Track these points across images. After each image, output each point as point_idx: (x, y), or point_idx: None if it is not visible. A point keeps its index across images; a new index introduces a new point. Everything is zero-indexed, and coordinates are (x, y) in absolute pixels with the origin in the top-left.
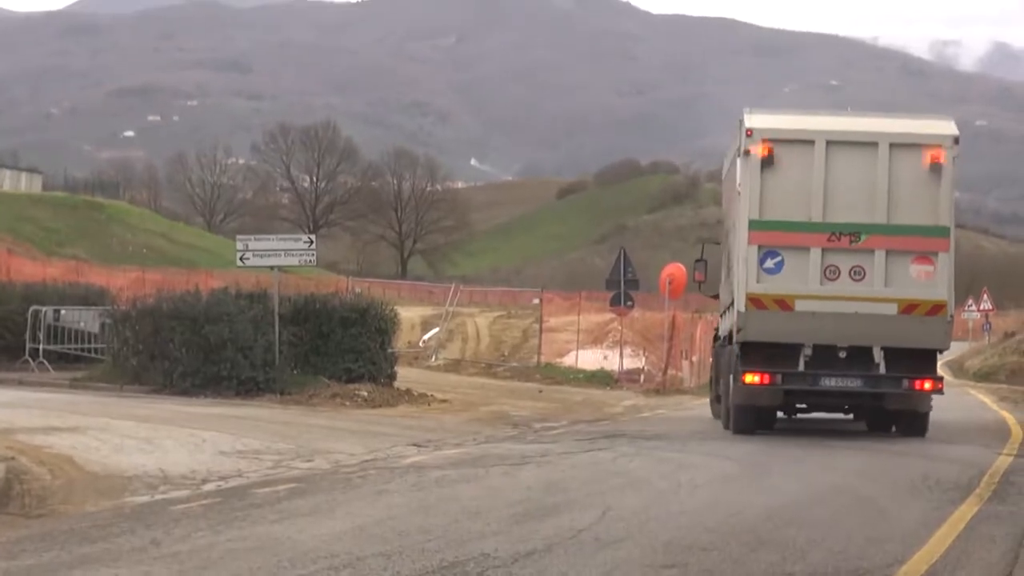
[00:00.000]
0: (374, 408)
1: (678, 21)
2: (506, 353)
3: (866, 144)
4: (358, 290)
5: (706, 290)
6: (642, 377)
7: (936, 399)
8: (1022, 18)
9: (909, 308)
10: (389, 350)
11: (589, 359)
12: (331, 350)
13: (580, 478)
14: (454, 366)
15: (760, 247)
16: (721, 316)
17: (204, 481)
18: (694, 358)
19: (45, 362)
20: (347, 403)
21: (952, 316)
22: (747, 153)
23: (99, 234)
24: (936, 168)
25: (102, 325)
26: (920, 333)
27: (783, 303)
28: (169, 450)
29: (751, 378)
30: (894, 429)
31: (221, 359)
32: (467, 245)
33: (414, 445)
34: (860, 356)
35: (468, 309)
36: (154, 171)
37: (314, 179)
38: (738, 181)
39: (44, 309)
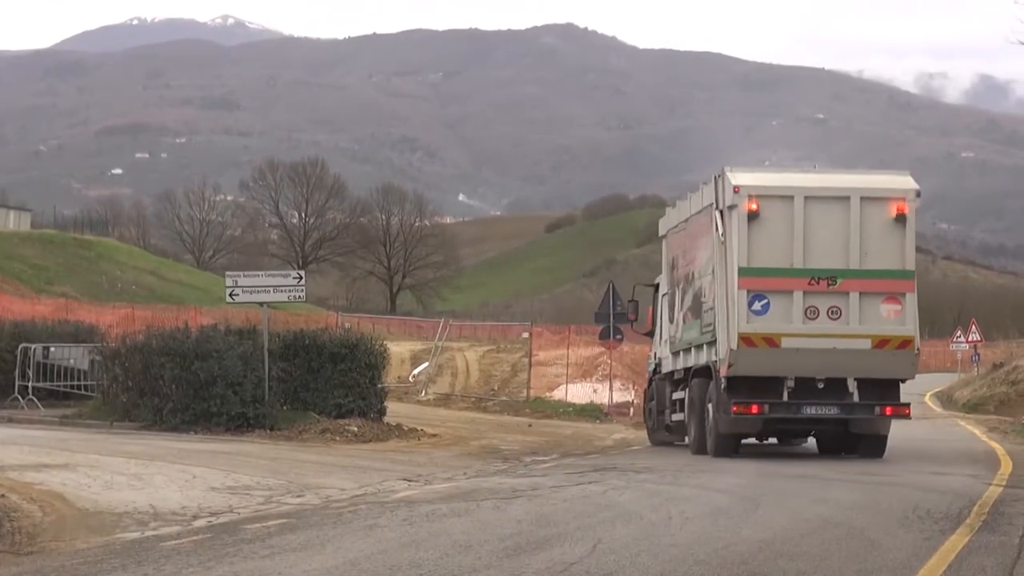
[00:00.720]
0: (364, 443)
1: (665, 56)
2: (496, 387)
3: (839, 198)
4: (347, 325)
5: (638, 327)
6: (632, 410)
7: (927, 430)
8: (1007, 50)
9: (881, 343)
10: (379, 385)
11: (579, 393)
12: (321, 385)
13: (571, 511)
14: (444, 400)
15: (749, 291)
16: (653, 353)
17: (195, 517)
18: None
19: (35, 399)
20: (337, 438)
21: (919, 349)
22: (732, 208)
23: (88, 271)
24: (901, 218)
25: (92, 362)
26: (890, 365)
27: (771, 341)
28: (160, 486)
29: (738, 408)
30: (853, 451)
31: (211, 395)
32: (456, 280)
33: (404, 480)
34: (835, 386)
35: (458, 344)
36: (142, 208)
37: (303, 215)
38: (719, 232)
39: (33, 347)
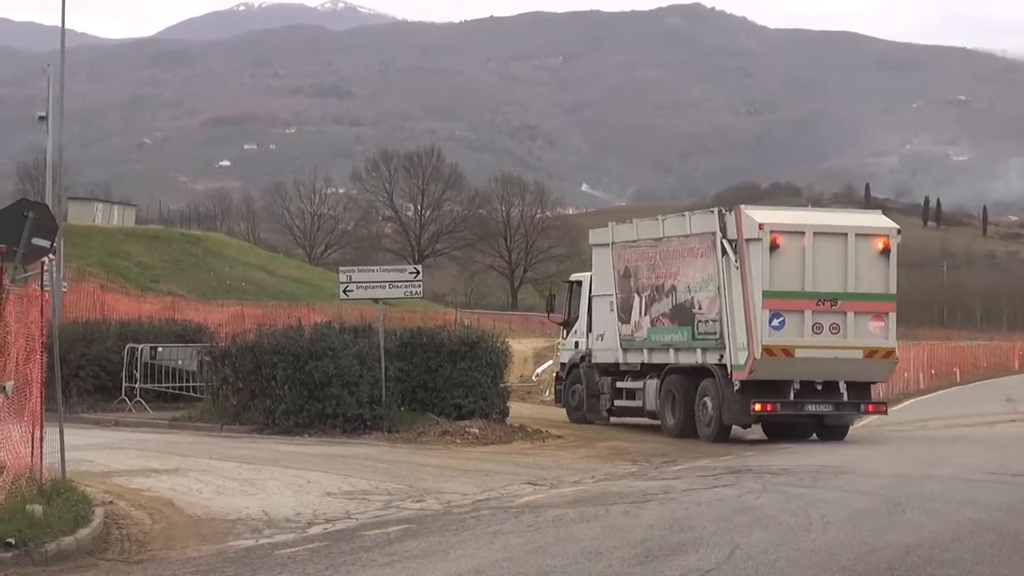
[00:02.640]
0: (486, 446)
1: (797, 36)
2: None
3: (839, 234)
4: (467, 322)
5: (553, 319)
6: None
7: None
8: None
9: (871, 353)
10: (501, 385)
11: None
12: (440, 386)
13: (705, 516)
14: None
15: (770, 310)
16: (573, 343)
17: (310, 524)
18: None
19: (142, 401)
20: (457, 441)
21: (897, 359)
22: (755, 240)
23: (196, 268)
24: (886, 252)
25: (200, 363)
26: (875, 371)
27: (787, 351)
28: (273, 492)
29: (759, 406)
30: (814, 436)
31: (326, 396)
32: (580, 273)
33: (529, 484)
34: (829, 387)
35: None
36: (251, 202)
37: (418, 207)
38: (732, 258)
39: (140, 347)
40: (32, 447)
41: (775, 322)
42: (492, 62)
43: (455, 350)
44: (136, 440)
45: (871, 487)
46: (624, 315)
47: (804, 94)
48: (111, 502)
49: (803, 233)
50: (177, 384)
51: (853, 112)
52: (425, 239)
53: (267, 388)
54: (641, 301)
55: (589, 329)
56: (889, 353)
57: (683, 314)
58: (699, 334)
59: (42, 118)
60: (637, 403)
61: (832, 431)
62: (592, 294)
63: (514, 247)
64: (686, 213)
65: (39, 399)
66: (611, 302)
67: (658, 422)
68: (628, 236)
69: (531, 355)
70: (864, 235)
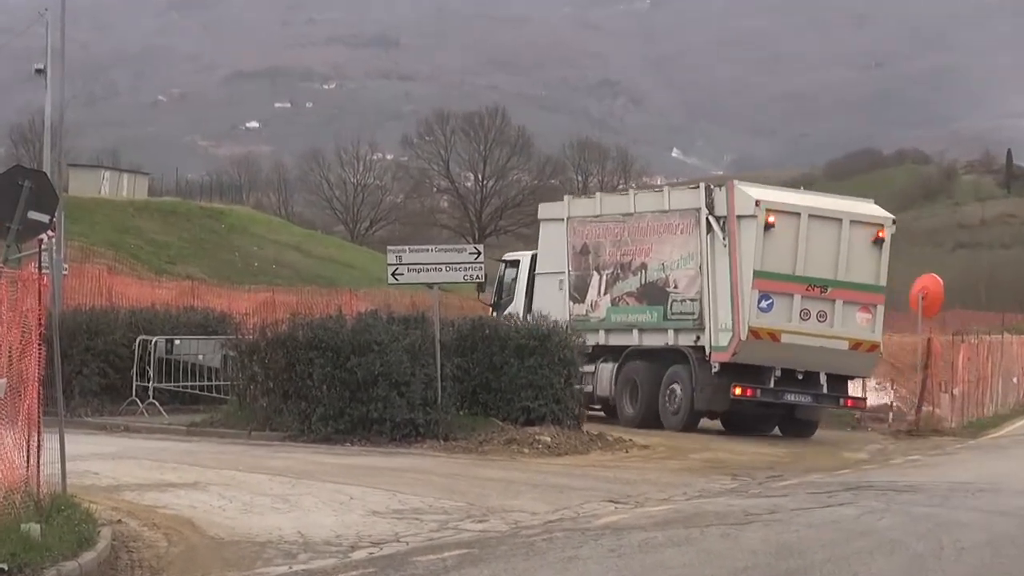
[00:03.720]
0: (559, 456)
1: None
2: None
3: (834, 219)
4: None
5: (483, 299)
6: (891, 415)
7: None
8: None
9: (856, 345)
10: (576, 385)
11: None
12: (505, 386)
13: (818, 540)
14: None
15: (760, 291)
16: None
17: (353, 547)
18: (956, 390)
19: (156, 403)
20: (525, 450)
21: (881, 353)
22: (749, 217)
23: (218, 247)
24: (879, 242)
25: (224, 358)
26: (858, 365)
27: (774, 335)
28: (310, 509)
29: (740, 390)
30: (776, 430)
31: (371, 398)
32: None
33: (610, 501)
34: (810, 378)
35: None
36: (284, 170)
37: (480, 177)
38: (720, 235)
39: (154, 340)
40: (28, 456)
41: (763, 304)
42: (567, 7)
43: (523, 344)
44: (149, 448)
45: (1014, 507)
46: (578, 294)
47: (932, 45)
48: (120, 521)
49: (798, 215)
50: (197, 383)
51: (989, 65)
52: (487, 214)
53: (302, 388)
54: (601, 279)
55: (529, 310)
56: (874, 347)
57: (654, 293)
58: (672, 314)
59: (39, 71)
60: (586, 388)
61: (800, 426)
62: (536, 272)
63: None
64: (664, 187)
65: (36, 400)
66: (561, 281)
67: (601, 411)
68: (589, 211)
69: None
70: (859, 223)
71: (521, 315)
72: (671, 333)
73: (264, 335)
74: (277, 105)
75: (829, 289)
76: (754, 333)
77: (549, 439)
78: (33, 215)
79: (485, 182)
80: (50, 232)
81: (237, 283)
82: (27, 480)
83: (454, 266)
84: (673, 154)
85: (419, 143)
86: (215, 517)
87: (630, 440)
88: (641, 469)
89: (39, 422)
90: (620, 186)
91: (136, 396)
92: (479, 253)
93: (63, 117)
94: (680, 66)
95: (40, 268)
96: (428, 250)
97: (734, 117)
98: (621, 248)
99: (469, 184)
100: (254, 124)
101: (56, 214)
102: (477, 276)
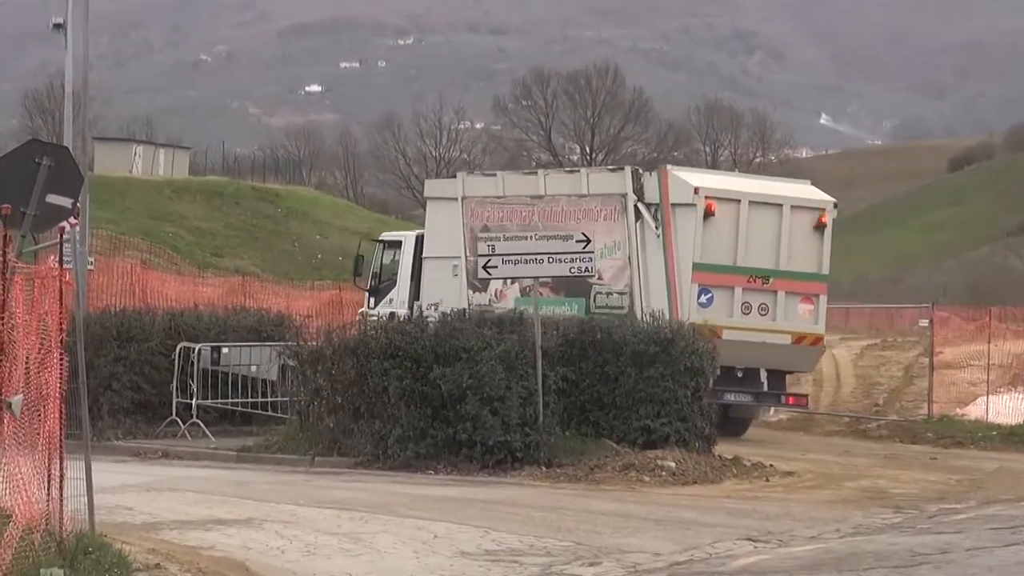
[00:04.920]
0: (685, 485)
1: None
2: (880, 402)
3: (775, 205)
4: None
5: (359, 283)
6: None
7: None
8: None
9: (799, 339)
10: (705, 400)
11: (1006, 408)
12: (620, 401)
13: None
14: (802, 422)
15: (699, 285)
16: (391, 316)
17: None
18: None
19: (200, 424)
20: (646, 478)
21: (825, 347)
22: (686, 205)
23: (274, 236)
24: (821, 227)
25: (282, 369)
26: (800, 359)
27: (715, 332)
28: (386, 551)
29: None
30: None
31: (458, 416)
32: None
33: (747, 540)
34: (750, 375)
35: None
36: (351, 143)
37: (587, 149)
38: (652, 224)
39: (198, 347)
40: (48, 488)
41: (703, 298)
42: None
43: (641, 351)
44: (193, 479)
45: None
46: (479, 282)
47: None
48: (158, 565)
49: (738, 201)
50: (249, 399)
51: None
52: None
53: (376, 405)
54: (464, 258)
55: (416, 297)
56: (818, 340)
57: (573, 284)
58: (597, 307)
59: (58, 26)
60: None
61: (734, 424)
62: (424, 255)
63: None
64: (582, 169)
65: (57, 421)
66: (456, 266)
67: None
68: (489, 191)
69: None
70: (800, 207)
71: (407, 302)
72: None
73: (330, 341)
74: (343, 65)
75: (771, 280)
76: (694, 330)
77: (673, 464)
78: (52, 199)
79: (594, 155)
80: (73, 219)
81: (296, 279)
82: (48, 516)
83: (559, 256)
84: (821, 120)
85: (514, 109)
86: (272, 560)
87: (771, 466)
88: (784, 500)
89: (61, 447)
90: (757, 159)
91: (176, 415)
92: (588, 240)
93: (87, 81)
94: (829, 12)
95: (61, 262)
96: (527, 238)
97: (894, 75)
98: (530, 233)
99: (575, 158)
100: (315, 88)
101: (80, 197)
102: (587, 268)
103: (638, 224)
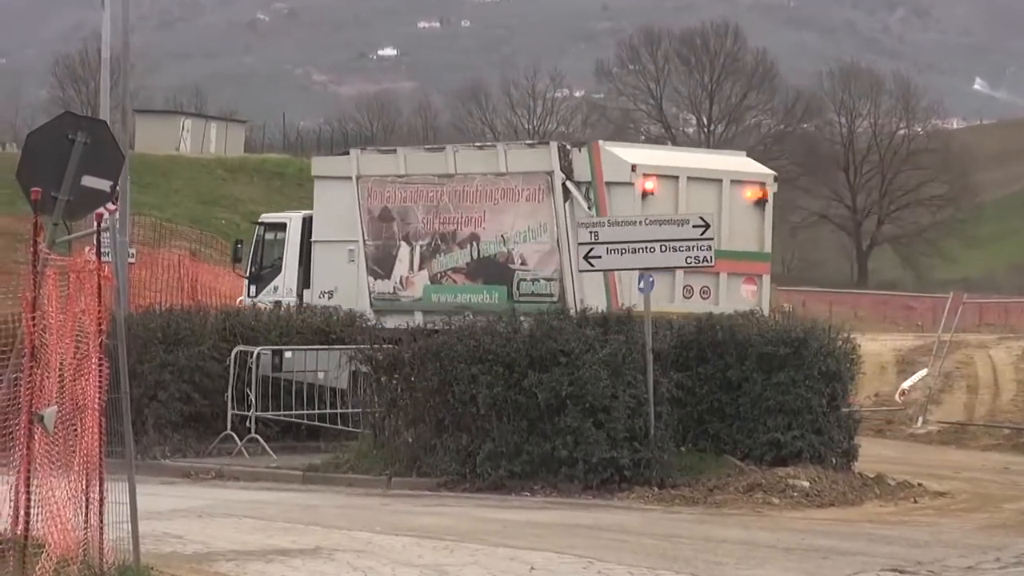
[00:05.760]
0: (820, 508)
1: None
2: None
3: (714, 180)
4: (787, 307)
5: (238, 270)
6: None
7: None
8: None
9: None
10: (844, 409)
11: None
12: (744, 411)
13: None
14: (956, 434)
15: (639, 270)
16: (275, 304)
17: None
18: None
19: (260, 439)
20: (774, 500)
21: None
22: (623, 184)
23: None
24: (762, 203)
25: (353, 376)
26: None
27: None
28: None
29: None
30: None
31: (557, 430)
32: (971, 228)
33: (893, 570)
34: None
35: (978, 336)
36: (432, 114)
37: (705, 120)
38: (585, 204)
39: (256, 351)
40: (87, 514)
41: (642, 283)
42: None
43: (768, 353)
44: (251, 502)
45: None
46: (380, 268)
47: None
48: None
49: (677, 178)
50: (315, 411)
51: None
52: None
53: (463, 417)
54: (413, 251)
55: (306, 285)
56: None
57: (493, 270)
58: (522, 295)
59: None
60: None
61: None
62: (313, 239)
63: (861, 185)
64: (498, 145)
65: (96, 437)
66: (353, 251)
67: None
68: (389, 169)
69: (892, 360)
70: (739, 182)
71: (294, 290)
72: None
73: (409, 344)
74: (421, 25)
75: (713, 261)
76: (635, 317)
77: (807, 484)
78: (88, 181)
79: (712, 127)
80: (111, 204)
81: None
82: (86, 545)
83: (673, 244)
84: (975, 86)
85: (619, 74)
86: None
87: (919, 485)
88: (935, 525)
89: (100, 467)
90: (900, 130)
91: (232, 429)
92: (707, 225)
93: (127, 45)
94: None
95: (99, 254)
96: (636, 223)
97: None
98: (440, 215)
99: (690, 130)
100: (390, 51)
101: (120, 179)
102: (706, 258)
103: (567, 205)
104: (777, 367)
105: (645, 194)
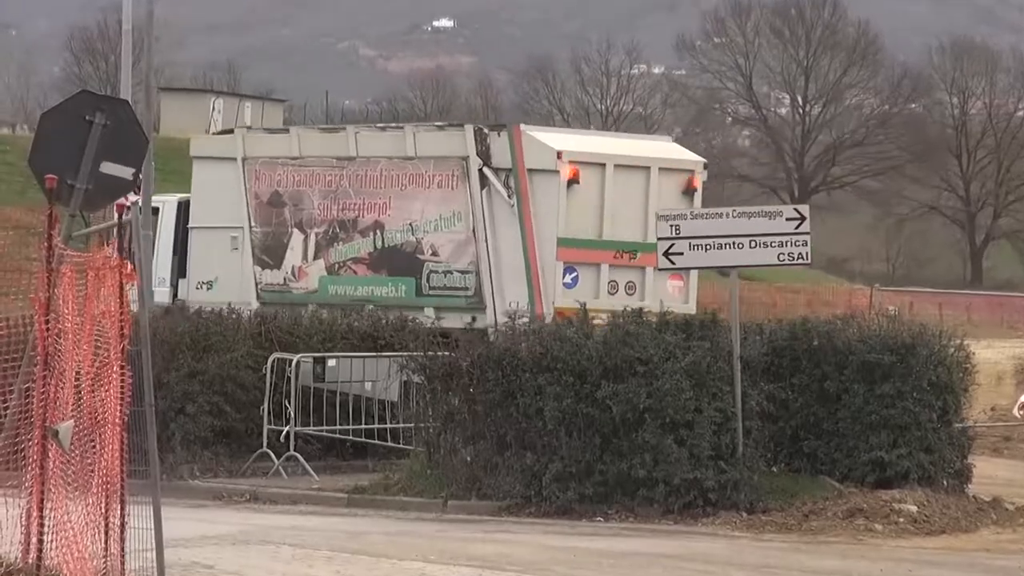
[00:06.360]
0: (930, 535)
1: None
2: None
3: (642, 168)
4: (892, 309)
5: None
6: None
7: None
8: None
9: None
10: (957, 424)
11: None
12: (844, 426)
13: None
14: None
15: (564, 263)
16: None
17: None
18: None
19: (299, 457)
20: (877, 526)
21: None
22: (546, 172)
23: None
24: (690, 192)
25: (405, 387)
26: None
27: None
28: None
29: None
30: None
31: (634, 447)
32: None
33: None
34: None
35: None
36: (493, 93)
37: (800, 100)
38: (504, 193)
39: (296, 359)
40: (106, 541)
41: (568, 278)
42: None
43: (871, 362)
44: (290, 528)
45: None
46: (269, 257)
47: None
48: None
49: (603, 165)
50: (362, 426)
51: None
52: (812, 159)
53: (528, 432)
54: (308, 240)
55: (181, 274)
56: None
57: (399, 261)
58: (432, 288)
59: None
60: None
61: None
62: (190, 225)
63: (976, 172)
64: (406, 127)
65: (117, 454)
66: (237, 238)
67: None
68: (280, 150)
69: (1010, 370)
70: (668, 170)
71: (168, 280)
72: (430, 312)
73: (467, 351)
74: None
75: (639, 254)
76: (560, 313)
77: (915, 508)
78: (108, 168)
79: (808, 107)
80: (134, 194)
81: None
82: (105, 575)
83: (764, 240)
84: None
85: (704, 48)
86: None
87: None
88: None
89: (122, 488)
90: (1019, 111)
91: (269, 447)
92: (802, 218)
93: (152, 16)
94: None
95: (121, 250)
96: (721, 215)
97: None
98: (339, 201)
99: (783, 111)
100: (446, 23)
101: (143, 165)
102: (802, 255)
103: (484, 192)
104: (881, 377)
105: (571, 182)
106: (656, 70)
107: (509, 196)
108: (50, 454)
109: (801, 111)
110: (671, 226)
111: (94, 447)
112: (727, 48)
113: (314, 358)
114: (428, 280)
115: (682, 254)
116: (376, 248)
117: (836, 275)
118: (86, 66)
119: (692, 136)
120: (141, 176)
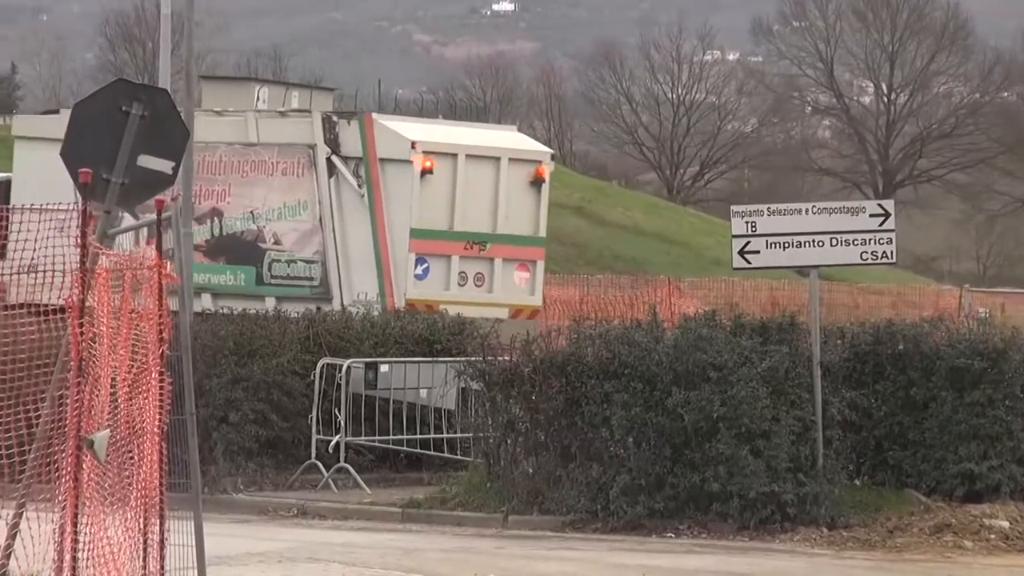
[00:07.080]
0: (1022, 553)
1: None
2: None
3: (492, 158)
4: (983, 311)
5: None
6: None
7: None
8: None
9: (517, 312)
10: None
11: None
12: (931, 436)
13: None
14: None
15: (416, 254)
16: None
17: None
18: None
19: (350, 469)
20: (967, 543)
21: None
22: (399, 161)
23: None
24: (538, 183)
25: (462, 394)
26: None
27: (431, 307)
28: None
29: None
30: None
31: (707, 458)
32: None
33: None
34: None
35: None
36: (556, 82)
37: (885, 88)
38: (353, 182)
39: (346, 364)
40: (145, 558)
41: (419, 269)
42: None
43: (960, 367)
44: (340, 545)
45: None
46: (111, 241)
47: None
48: None
49: (455, 156)
50: (417, 436)
51: None
52: (897, 151)
53: (593, 443)
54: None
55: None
56: (535, 312)
57: (238, 249)
58: (273, 277)
59: None
60: None
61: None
62: (11, 207)
63: None
64: (248, 112)
65: (156, 467)
66: (63, 219)
67: None
68: None
69: None
70: (517, 160)
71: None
72: (270, 301)
73: (528, 355)
74: None
75: (488, 246)
76: (411, 305)
77: (1007, 524)
78: (146, 161)
79: (894, 96)
80: (174, 191)
81: None
82: None
83: (846, 237)
84: None
85: (782, 33)
86: None
87: None
88: None
89: (161, 502)
90: None
91: (317, 458)
92: (887, 214)
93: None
94: None
95: (160, 248)
96: (801, 211)
97: None
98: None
99: (867, 100)
100: (506, 6)
101: (184, 159)
102: (887, 253)
103: (332, 181)
104: (971, 384)
105: (424, 172)
106: (731, 56)
107: (359, 186)
108: (84, 466)
109: (886, 100)
110: (746, 223)
111: (131, 458)
112: (807, 32)
113: (366, 363)
114: (270, 269)
115: (758, 252)
116: (214, 235)
117: (923, 275)
118: (122, 53)
119: (769, 127)
120: (181, 169)
